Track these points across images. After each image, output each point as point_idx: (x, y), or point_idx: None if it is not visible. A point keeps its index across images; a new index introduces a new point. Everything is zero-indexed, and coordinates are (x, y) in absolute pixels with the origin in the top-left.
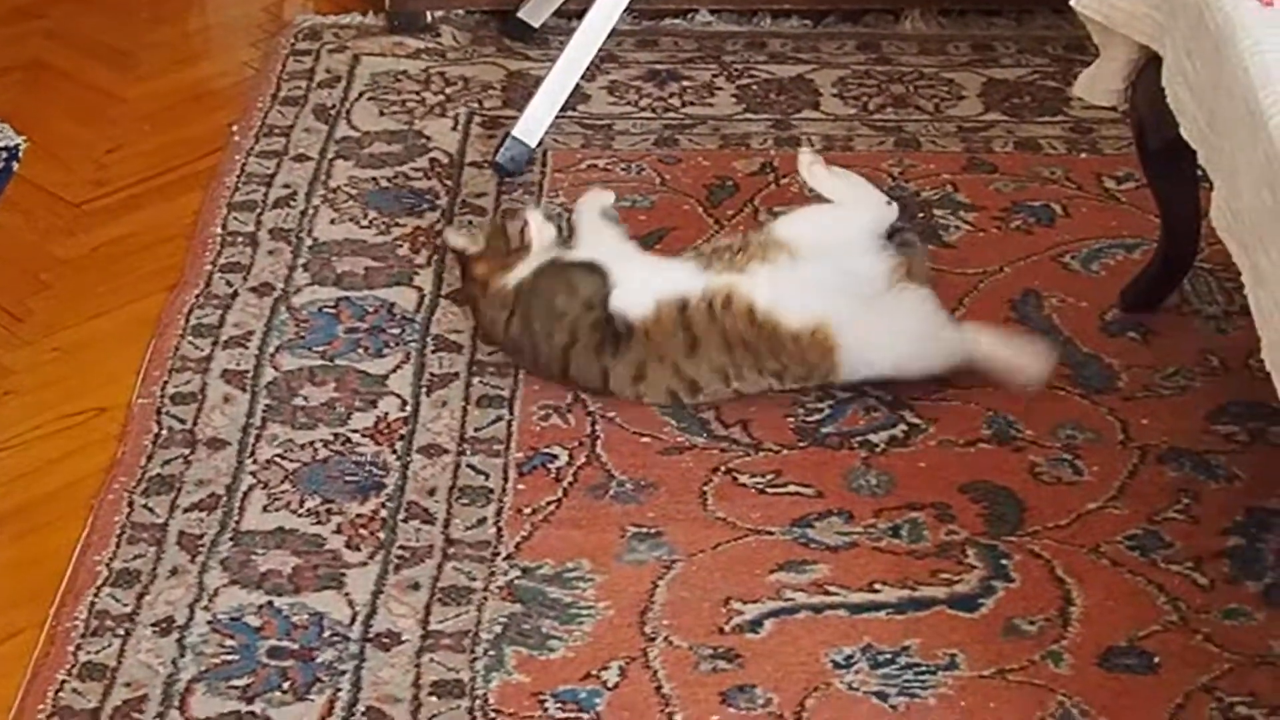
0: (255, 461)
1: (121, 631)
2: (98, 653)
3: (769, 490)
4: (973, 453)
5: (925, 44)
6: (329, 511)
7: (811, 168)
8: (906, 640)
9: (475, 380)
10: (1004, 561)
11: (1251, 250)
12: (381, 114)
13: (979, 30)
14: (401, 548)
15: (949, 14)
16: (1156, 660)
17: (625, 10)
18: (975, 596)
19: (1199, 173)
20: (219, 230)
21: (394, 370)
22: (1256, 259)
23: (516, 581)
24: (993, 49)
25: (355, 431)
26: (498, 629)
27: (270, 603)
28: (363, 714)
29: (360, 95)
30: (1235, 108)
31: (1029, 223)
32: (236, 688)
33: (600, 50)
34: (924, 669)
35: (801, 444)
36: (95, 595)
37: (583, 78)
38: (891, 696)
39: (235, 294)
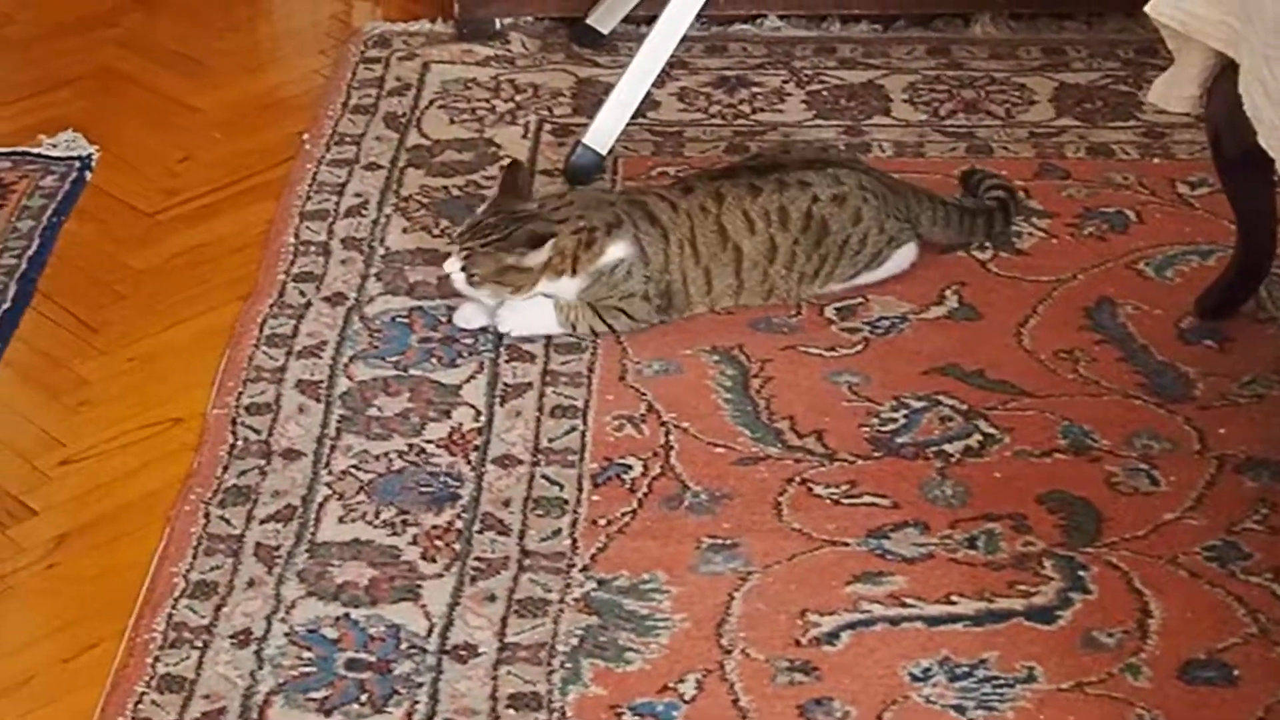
0: (330, 472)
1: (200, 643)
2: (176, 664)
3: (844, 501)
4: (1049, 463)
5: (996, 48)
6: (404, 523)
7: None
8: (984, 653)
9: (549, 390)
10: (1081, 573)
11: None
12: (452, 122)
13: (1050, 34)
14: (477, 559)
15: (1020, 18)
16: (1236, 673)
17: (695, 16)
18: (1053, 608)
19: (1275, 179)
20: (291, 239)
21: (468, 380)
22: None
23: (592, 593)
24: (1064, 53)
25: (430, 442)
26: (574, 641)
27: (347, 614)
28: None
29: (430, 103)
30: None
31: (1102, 229)
32: (314, 700)
33: (670, 57)
34: (1002, 682)
35: (876, 454)
36: (173, 607)
37: (653, 85)
38: (969, 710)
39: (309, 304)
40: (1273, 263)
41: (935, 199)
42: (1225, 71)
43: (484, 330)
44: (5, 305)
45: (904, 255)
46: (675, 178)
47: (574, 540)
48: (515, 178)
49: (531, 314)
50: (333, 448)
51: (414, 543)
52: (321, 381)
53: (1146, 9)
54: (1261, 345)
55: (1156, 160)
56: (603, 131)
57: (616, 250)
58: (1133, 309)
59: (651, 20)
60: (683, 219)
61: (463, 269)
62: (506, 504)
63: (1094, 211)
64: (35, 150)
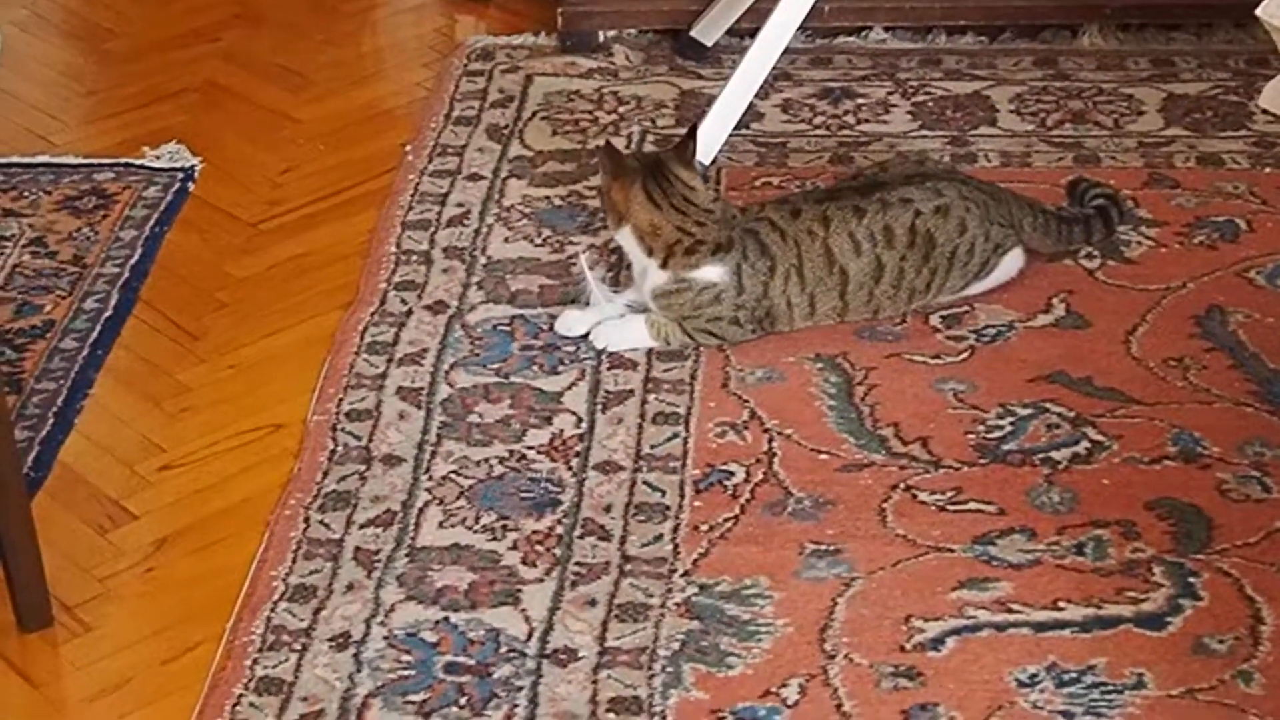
0: (430, 478)
1: (298, 646)
2: (275, 667)
3: (949, 508)
4: (1158, 470)
5: (1104, 59)
6: (504, 528)
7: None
8: (1092, 659)
9: (650, 397)
10: (1192, 579)
11: None
12: (554, 133)
13: (1158, 45)
14: (578, 564)
15: (1128, 29)
16: None
17: (798, 29)
18: (1163, 615)
19: None
20: (393, 249)
21: (569, 387)
22: None
23: (694, 598)
24: (1173, 64)
25: (530, 448)
26: (675, 645)
27: (446, 618)
28: None
29: (533, 115)
30: None
31: (1212, 238)
32: (413, 703)
33: (773, 68)
34: (1110, 688)
35: (982, 461)
36: (272, 610)
37: (756, 96)
38: (1078, 716)
39: (410, 311)
40: None
41: (1035, 206)
42: None
43: (585, 338)
44: (108, 313)
45: (1011, 262)
46: (783, 196)
47: (675, 546)
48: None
49: (627, 330)
50: (433, 454)
51: (514, 548)
52: (422, 388)
53: (1257, 12)
54: None
55: (1268, 170)
56: (707, 142)
57: (711, 273)
58: (1244, 317)
59: (755, 32)
60: (790, 246)
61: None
62: (608, 509)
63: (1204, 220)
64: (139, 162)
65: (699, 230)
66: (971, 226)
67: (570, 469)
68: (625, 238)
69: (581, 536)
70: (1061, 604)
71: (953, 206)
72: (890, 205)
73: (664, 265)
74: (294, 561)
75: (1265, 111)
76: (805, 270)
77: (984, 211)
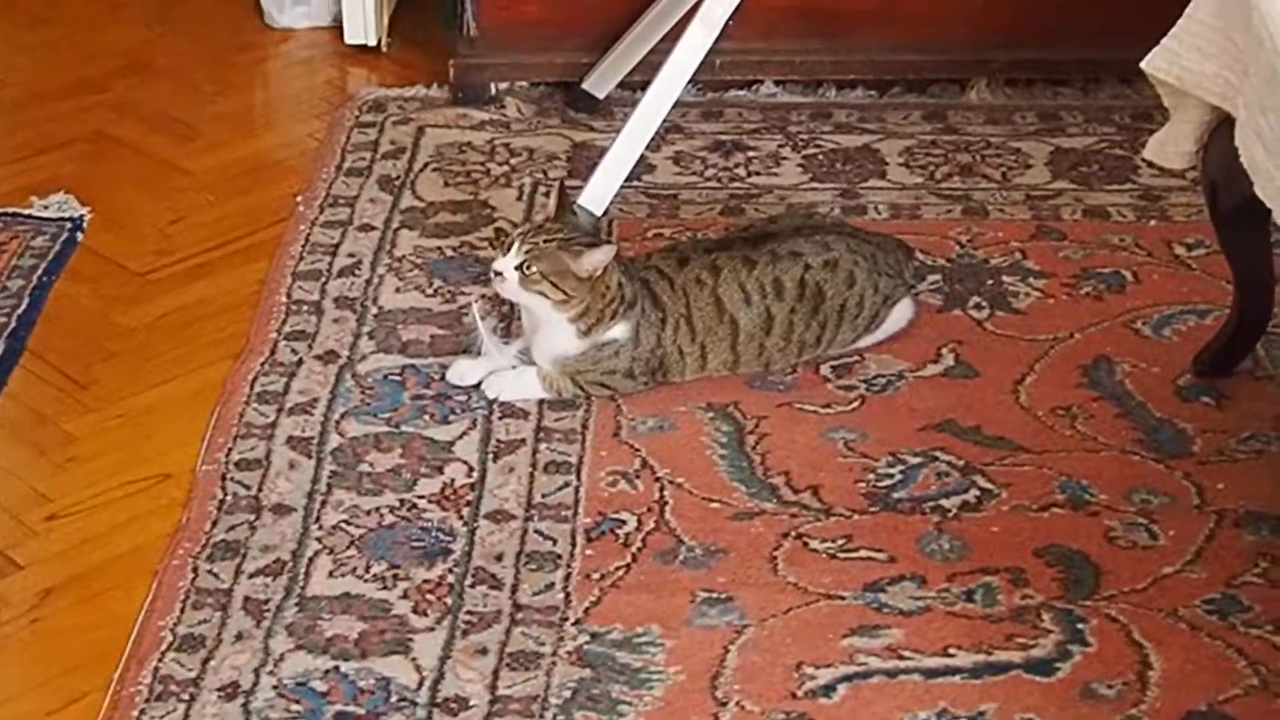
0: (321, 527)
1: (186, 697)
2: (162, 718)
3: (840, 555)
4: (1046, 517)
5: (992, 113)
6: (395, 577)
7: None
8: (983, 705)
9: (542, 446)
10: (1080, 626)
11: None
12: (446, 184)
13: (1045, 100)
14: (469, 613)
15: (1015, 84)
16: None
17: (689, 82)
18: (1052, 661)
19: (1272, 235)
20: (284, 299)
21: (460, 436)
22: None
23: (585, 646)
24: (1059, 118)
25: (421, 497)
26: (567, 694)
27: (336, 668)
28: None
29: (425, 166)
30: None
31: (1099, 289)
32: None
33: (665, 121)
34: None
35: (873, 509)
36: (160, 660)
37: (648, 148)
38: None
39: (300, 361)
40: (1270, 320)
41: (912, 252)
42: (1221, 126)
43: (477, 387)
44: None
45: (901, 313)
46: (671, 244)
47: (567, 594)
48: (565, 198)
49: (519, 381)
50: (323, 503)
51: (405, 596)
52: (313, 438)
53: (1143, 65)
54: (1259, 402)
55: (1153, 222)
56: (598, 194)
57: (618, 330)
58: (1130, 367)
59: (646, 85)
60: (679, 296)
61: (520, 265)
62: (499, 558)
63: (1090, 272)
64: (26, 211)
65: (621, 295)
66: (860, 279)
67: (461, 518)
68: (562, 312)
69: (473, 585)
70: (952, 650)
71: (841, 260)
72: (780, 258)
73: (587, 334)
74: (182, 611)
75: (1150, 165)
76: (695, 320)
77: (872, 264)
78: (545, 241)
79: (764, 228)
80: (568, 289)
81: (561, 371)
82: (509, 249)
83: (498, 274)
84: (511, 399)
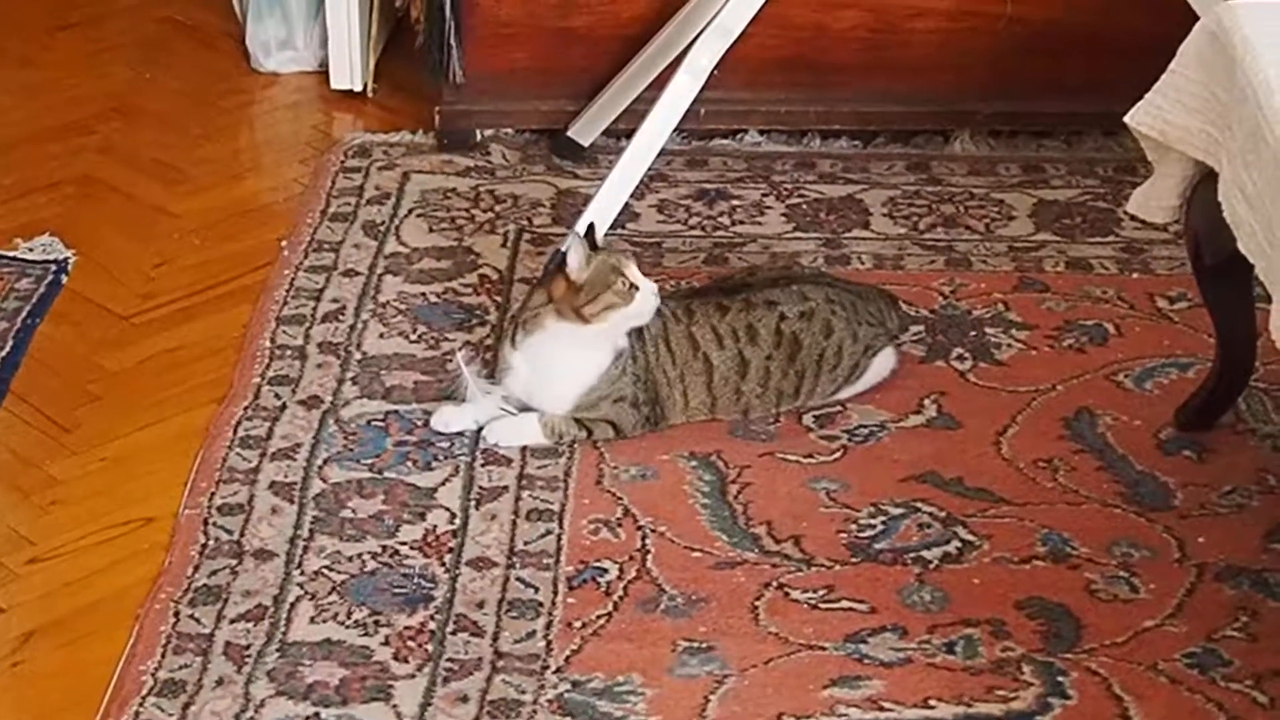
0: (303, 573)
1: None
2: None
3: (821, 606)
4: (1028, 569)
5: (975, 165)
6: (377, 623)
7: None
8: None
9: (525, 493)
10: (1061, 679)
11: None
12: (431, 230)
13: (1029, 152)
14: (450, 660)
15: (999, 135)
16: None
17: (674, 130)
18: (1032, 713)
19: (1255, 290)
20: (268, 343)
21: (443, 483)
22: None
23: (566, 695)
24: (1043, 170)
25: (404, 544)
26: None
27: (317, 714)
28: None
29: (410, 212)
30: None
31: (1081, 341)
32: None
33: (649, 169)
34: None
35: (854, 560)
36: (140, 705)
37: (632, 196)
38: None
39: (284, 406)
40: (1251, 375)
41: (895, 300)
42: (1204, 180)
43: (460, 434)
44: None
45: (883, 363)
46: None
47: (548, 642)
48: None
49: (521, 428)
50: (305, 548)
51: (386, 643)
52: (295, 483)
53: (1126, 119)
54: (1241, 456)
55: (1135, 275)
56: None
57: (622, 342)
58: (1112, 420)
59: (631, 133)
60: (655, 320)
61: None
62: (480, 605)
63: (1073, 324)
64: (11, 254)
65: None
66: (838, 329)
67: (443, 565)
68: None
69: (454, 632)
70: (932, 702)
71: (818, 310)
72: (755, 306)
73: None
74: (163, 656)
75: (1133, 218)
76: (672, 346)
77: (851, 313)
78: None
79: (742, 278)
80: (615, 291)
81: (572, 411)
82: (637, 281)
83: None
84: (513, 445)
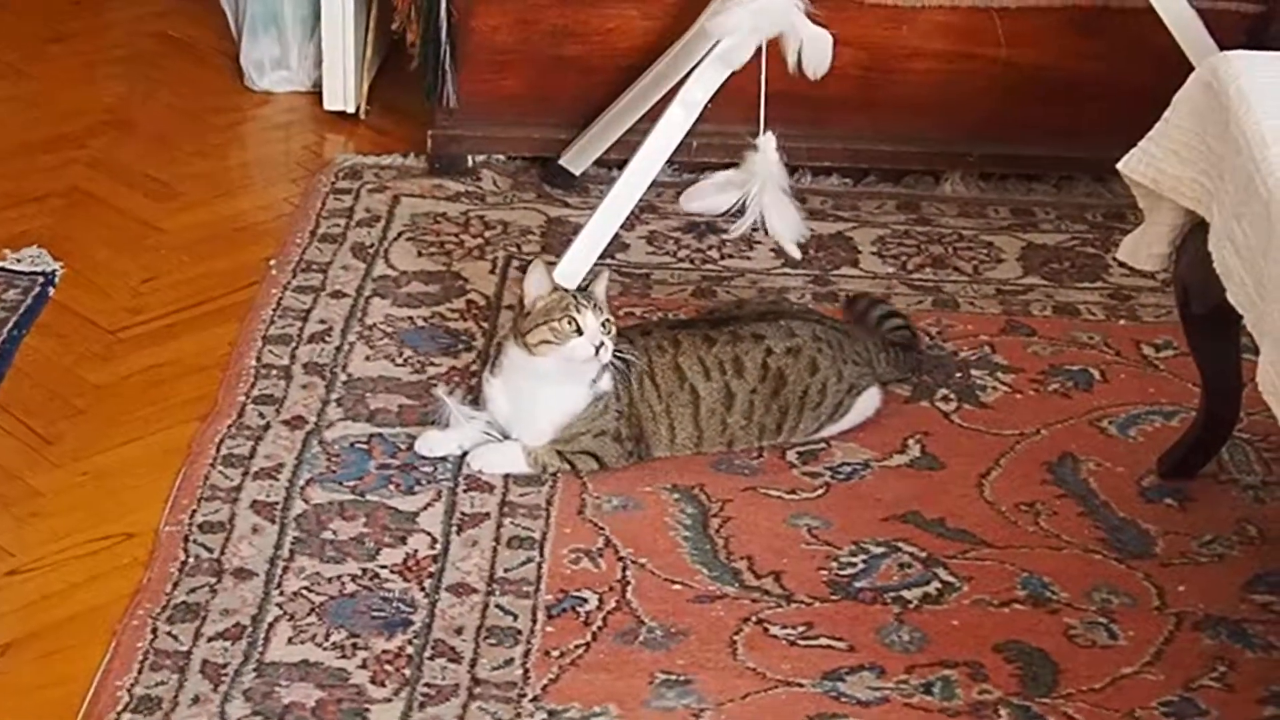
0: (282, 593)
1: None
2: None
3: (800, 642)
4: (1007, 612)
5: (965, 206)
6: (354, 646)
7: None
8: None
9: (506, 521)
10: None
11: None
12: (420, 254)
13: (1019, 195)
14: (427, 685)
15: (989, 178)
16: None
17: (666, 162)
18: None
19: (1241, 340)
20: (253, 362)
21: (425, 508)
22: None
23: None
24: (1032, 214)
25: (384, 567)
26: None
27: None
28: None
29: (399, 235)
30: None
31: (1066, 386)
32: None
33: (640, 200)
34: None
35: (834, 597)
36: None
37: (622, 227)
38: None
39: (267, 426)
40: (1236, 425)
41: (884, 340)
42: (1195, 230)
43: (443, 459)
44: None
45: (867, 402)
46: (639, 319)
47: (526, 670)
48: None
49: (504, 455)
50: (285, 569)
51: (363, 666)
52: (277, 503)
53: (1119, 166)
54: (1222, 506)
55: (1122, 322)
56: (570, 269)
57: (605, 382)
58: (1095, 465)
59: (623, 164)
60: (641, 353)
61: (604, 322)
62: (459, 632)
63: (1059, 369)
64: None
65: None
66: (824, 367)
67: (423, 589)
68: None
69: (432, 658)
70: None
71: (804, 347)
72: (741, 339)
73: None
74: (140, 672)
75: (1122, 264)
76: (658, 378)
77: (837, 351)
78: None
79: (729, 311)
80: (551, 328)
81: (553, 442)
82: (583, 326)
83: (598, 346)
84: (496, 472)
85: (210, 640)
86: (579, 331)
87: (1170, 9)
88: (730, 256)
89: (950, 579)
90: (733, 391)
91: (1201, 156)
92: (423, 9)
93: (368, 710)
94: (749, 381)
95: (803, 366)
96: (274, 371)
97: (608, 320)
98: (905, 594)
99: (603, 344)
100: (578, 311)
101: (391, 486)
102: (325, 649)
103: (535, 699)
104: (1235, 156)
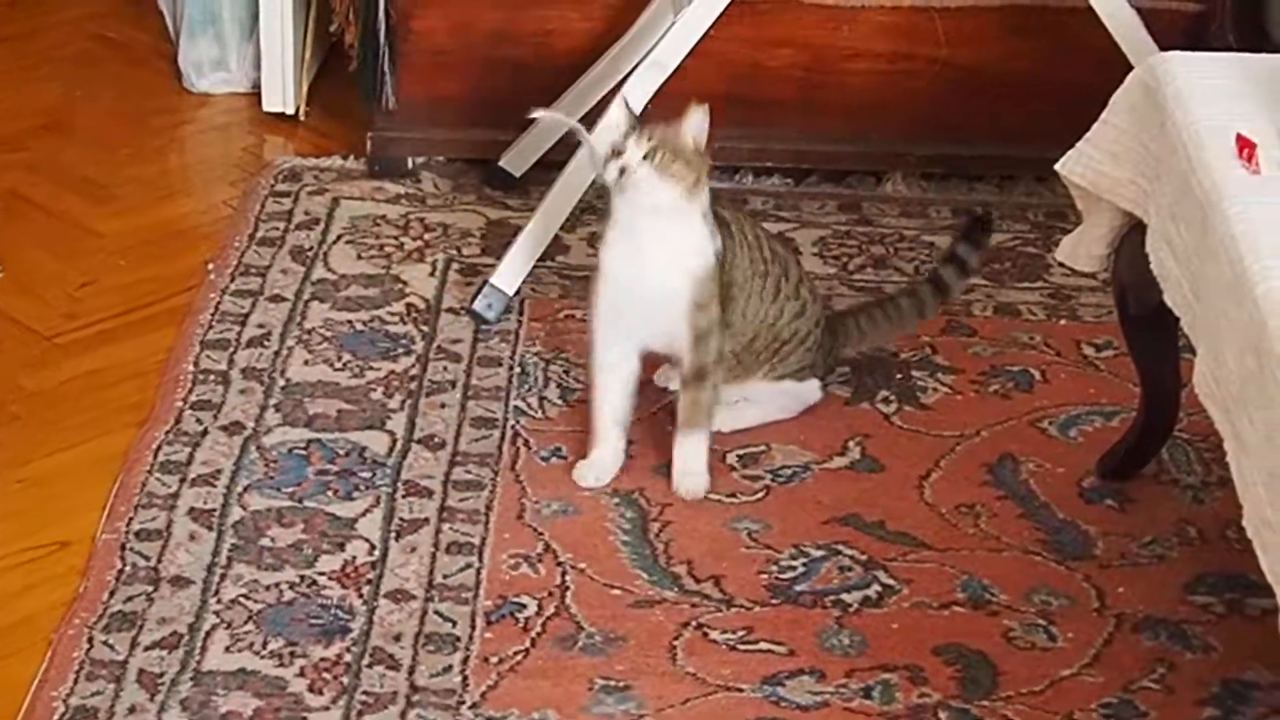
0: (219, 601)
1: None
2: None
3: (740, 647)
4: (946, 615)
5: (907, 206)
6: (292, 654)
7: None
8: None
9: (445, 526)
10: None
11: (1235, 417)
12: (359, 257)
13: (961, 195)
14: (365, 693)
15: (931, 178)
16: None
17: None
18: None
19: (1180, 341)
20: (191, 368)
21: (363, 514)
22: (1239, 426)
23: None
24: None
25: (322, 574)
26: None
27: None
28: None
29: (338, 238)
30: (1221, 274)
31: (1007, 387)
32: None
33: (580, 201)
34: None
35: (774, 601)
36: None
37: (562, 228)
38: None
39: (205, 432)
40: (1175, 426)
41: (860, 311)
42: (1133, 231)
43: (380, 465)
44: None
45: (808, 393)
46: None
47: (465, 677)
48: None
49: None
50: (223, 576)
51: (301, 674)
52: (214, 510)
53: (1057, 167)
54: (1162, 507)
55: (1063, 322)
56: (510, 272)
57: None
58: (1035, 466)
59: (563, 165)
60: (743, 223)
61: (648, 154)
62: (397, 639)
63: (999, 369)
64: None
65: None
66: (807, 321)
67: (361, 596)
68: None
69: (370, 665)
70: None
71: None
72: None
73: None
74: (75, 682)
75: (1062, 265)
76: (750, 251)
77: (813, 325)
78: (652, 130)
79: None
80: (692, 167)
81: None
82: (622, 151)
83: (622, 170)
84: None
85: (147, 649)
86: (616, 153)
87: (1109, 9)
88: None
89: (890, 582)
90: (783, 295)
91: (1139, 157)
92: (361, 10)
93: (305, 718)
94: (790, 298)
95: (811, 315)
96: (212, 377)
97: (656, 148)
98: (845, 597)
99: (625, 169)
100: (625, 141)
101: (330, 492)
102: (263, 657)
103: (474, 706)
104: (1171, 157)
